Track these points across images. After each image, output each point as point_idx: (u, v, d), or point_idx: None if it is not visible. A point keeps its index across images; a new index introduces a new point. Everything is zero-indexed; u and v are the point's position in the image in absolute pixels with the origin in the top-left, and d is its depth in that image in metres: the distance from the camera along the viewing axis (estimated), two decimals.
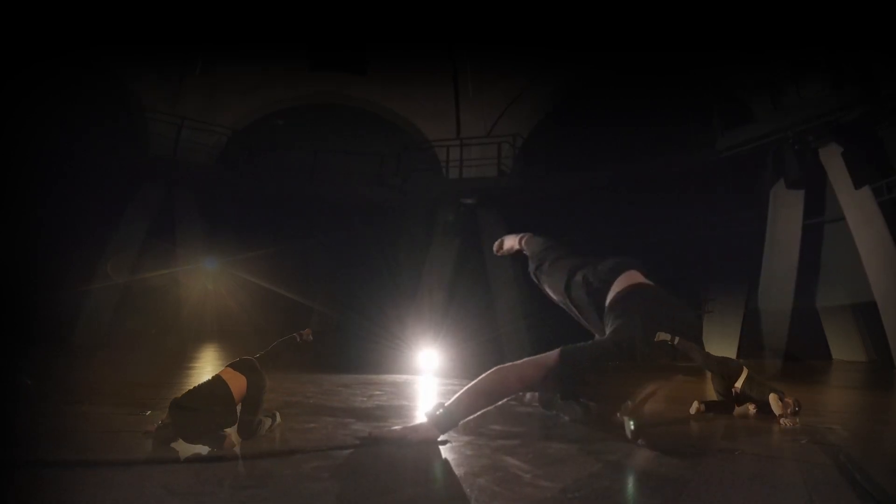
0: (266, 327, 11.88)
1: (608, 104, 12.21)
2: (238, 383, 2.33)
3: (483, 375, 2.46)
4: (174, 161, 12.17)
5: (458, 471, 2.04)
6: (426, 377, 6.65)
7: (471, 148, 13.29)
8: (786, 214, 10.52)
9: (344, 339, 11.08)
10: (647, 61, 11.86)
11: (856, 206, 9.50)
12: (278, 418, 2.65)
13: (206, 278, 12.74)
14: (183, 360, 7.33)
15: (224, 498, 1.65)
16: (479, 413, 2.45)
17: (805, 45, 9.67)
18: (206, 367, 6.73)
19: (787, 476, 2.13)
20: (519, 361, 2.49)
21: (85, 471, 1.91)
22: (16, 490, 1.68)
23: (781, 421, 3.38)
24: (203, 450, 2.17)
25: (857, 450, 2.61)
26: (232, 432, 2.26)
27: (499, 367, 2.48)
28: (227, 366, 2.47)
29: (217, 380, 2.36)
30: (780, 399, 3.47)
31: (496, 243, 3.80)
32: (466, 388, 2.48)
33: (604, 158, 11.89)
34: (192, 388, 2.34)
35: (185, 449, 2.16)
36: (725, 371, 3.90)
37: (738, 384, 3.80)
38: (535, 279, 3.42)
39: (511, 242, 3.70)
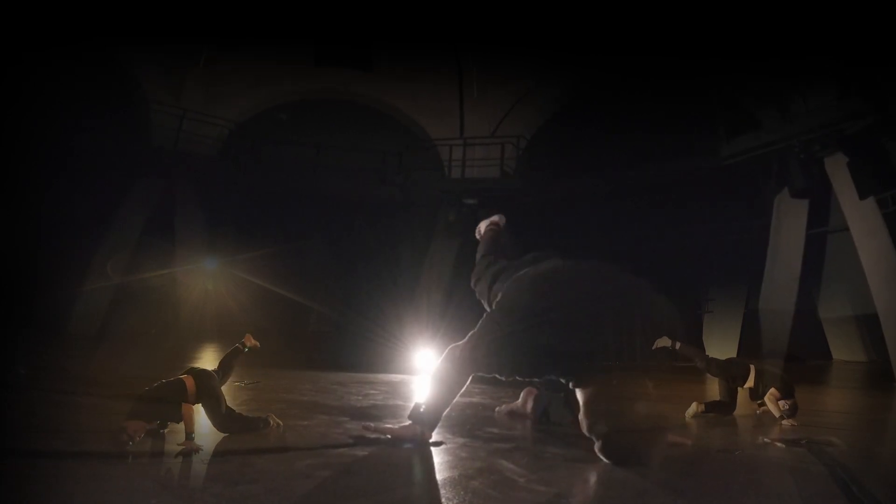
0: (266, 326, 11.89)
1: (614, 109, 12.21)
2: (189, 383, 2.56)
3: (440, 361, 2.51)
4: (176, 152, 12.16)
5: (451, 472, 2.04)
6: (422, 377, 6.65)
7: (474, 148, 13.29)
8: (789, 223, 10.52)
9: (341, 337, 11.06)
10: (653, 67, 11.86)
11: (860, 217, 9.50)
12: (273, 421, 2.66)
13: (206, 277, 12.73)
14: (183, 358, 7.32)
15: (216, 493, 1.65)
16: (457, 397, 2.49)
17: (812, 55, 9.66)
18: (206, 366, 6.73)
19: (782, 486, 2.13)
20: (461, 342, 2.52)
21: (77, 462, 1.91)
22: (7, 479, 1.68)
23: (782, 422, 3.45)
24: (196, 445, 2.17)
25: (853, 461, 2.60)
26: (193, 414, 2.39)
27: (447, 349, 2.51)
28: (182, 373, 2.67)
29: (176, 380, 2.58)
30: (777, 400, 3.55)
31: (478, 229, 3.61)
32: (433, 380, 2.53)
33: (608, 163, 11.89)
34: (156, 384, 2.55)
35: (176, 445, 2.17)
36: (731, 374, 3.89)
37: (750, 384, 3.79)
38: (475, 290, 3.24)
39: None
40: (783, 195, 10.53)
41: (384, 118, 14.33)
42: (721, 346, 12.67)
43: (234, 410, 2.62)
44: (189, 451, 2.10)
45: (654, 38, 11.34)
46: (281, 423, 2.69)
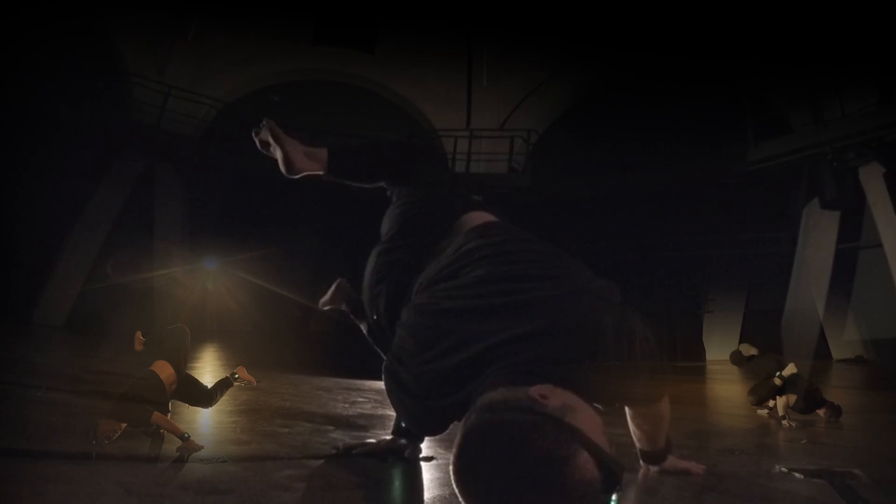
0: (264, 325, 11.91)
1: (633, 106, 12.18)
2: (161, 367, 2.65)
3: None
4: (158, 130, 12.12)
5: (442, 490, 2.03)
6: None
7: (481, 141, 13.27)
8: (818, 237, 10.50)
9: (341, 337, 10.98)
10: (678, 65, 11.83)
11: (895, 233, 9.49)
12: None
13: (188, 268, 12.70)
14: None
15: (186, 502, 1.64)
16: None
17: (852, 59, 9.65)
18: (206, 366, 6.82)
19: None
20: None
21: (35, 462, 1.91)
22: None
23: (783, 422, 4.23)
24: (166, 449, 2.17)
25: (878, 496, 2.60)
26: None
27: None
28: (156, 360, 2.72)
29: (147, 373, 2.62)
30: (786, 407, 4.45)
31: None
32: None
33: (624, 164, 11.86)
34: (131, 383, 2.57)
35: (147, 447, 2.17)
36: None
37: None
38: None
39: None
40: (813, 206, 10.51)
41: (385, 104, 14.30)
42: (721, 346, 13.08)
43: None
44: (188, 451, 2.11)
45: (681, 35, 11.32)
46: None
